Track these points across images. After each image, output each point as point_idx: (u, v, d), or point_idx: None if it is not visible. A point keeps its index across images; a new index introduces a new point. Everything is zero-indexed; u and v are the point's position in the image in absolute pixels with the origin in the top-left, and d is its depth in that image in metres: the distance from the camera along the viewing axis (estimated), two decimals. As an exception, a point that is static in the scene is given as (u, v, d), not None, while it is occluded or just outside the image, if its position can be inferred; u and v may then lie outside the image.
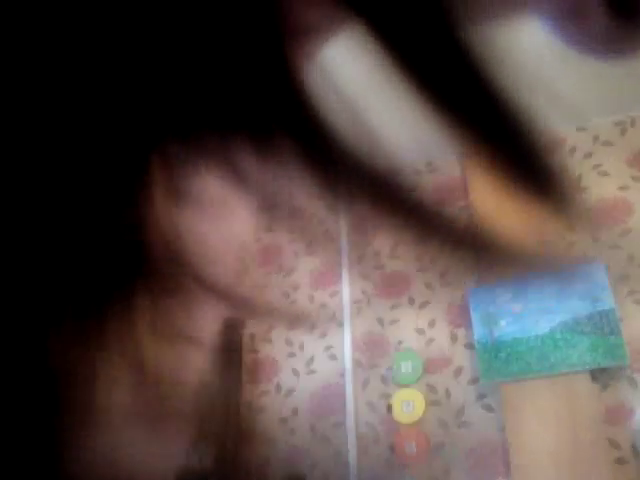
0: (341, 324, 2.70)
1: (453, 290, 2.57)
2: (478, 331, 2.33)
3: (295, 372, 2.70)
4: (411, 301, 2.63)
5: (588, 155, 2.63)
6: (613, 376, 2.16)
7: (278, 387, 2.70)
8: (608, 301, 2.17)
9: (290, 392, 2.67)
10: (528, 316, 2.28)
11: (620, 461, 2.05)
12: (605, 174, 2.55)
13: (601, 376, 2.16)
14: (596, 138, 2.64)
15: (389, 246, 2.79)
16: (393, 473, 2.34)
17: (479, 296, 2.40)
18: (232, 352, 2.63)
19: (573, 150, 2.66)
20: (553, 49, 2.18)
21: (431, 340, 2.51)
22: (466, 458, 2.26)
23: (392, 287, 2.70)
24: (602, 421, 2.09)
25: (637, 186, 2.47)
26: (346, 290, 2.77)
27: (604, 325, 2.14)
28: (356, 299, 2.74)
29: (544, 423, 2.10)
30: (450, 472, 2.26)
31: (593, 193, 2.53)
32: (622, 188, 2.49)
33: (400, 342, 2.56)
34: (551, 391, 2.14)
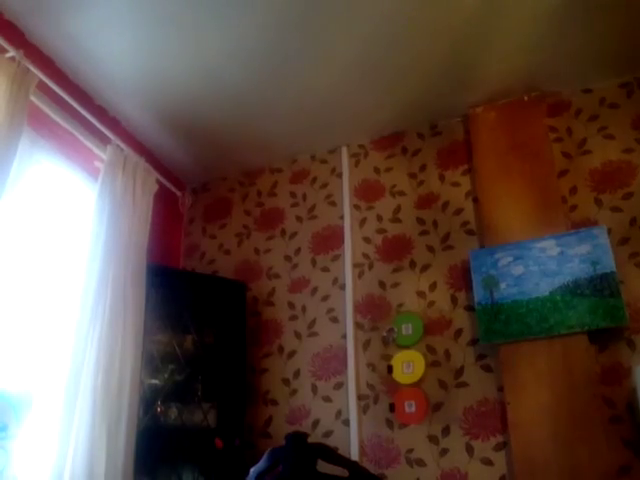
0: (343, 287, 2.72)
1: (455, 253, 2.58)
2: (478, 293, 2.34)
3: (297, 334, 2.74)
4: (412, 264, 2.64)
5: (593, 118, 2.59)
6: (612, 337, 2.17)
7: (281, 349, 2.74)
8: (609, 264, 2.17)
9: (292, 354, 2.71)
10: (529, 279, 2.29)
11: (615, 419, 2.08)
12: (610, 137, 2.52)
13: (599, 337, 2.18)
14: (602, 100, 2.60)
15: (391, 210, 2.79)
16: (393, 432, 2.39)
17: (480, 259, 2.40)
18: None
19: (579, 112, 2.63)
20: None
21: (432, 303, 2.53)
22: (464, 416, 2.31)
23: (394, 251, 2.71)
24: (598, 381, 2.12)
25: (642, 149, 2.44)
26: (348, 254, 2.77)
27: (604, 287, 2.14)
28: (358, 262, 2.75)
29: (541, 382, 2.13)
30: (449, 430, 2.31)
31: (598, 156, 2.50)
32: (627, 151, 2.46)
33: (401, 305, 2.58)
34: (549, 352, 2.16)
